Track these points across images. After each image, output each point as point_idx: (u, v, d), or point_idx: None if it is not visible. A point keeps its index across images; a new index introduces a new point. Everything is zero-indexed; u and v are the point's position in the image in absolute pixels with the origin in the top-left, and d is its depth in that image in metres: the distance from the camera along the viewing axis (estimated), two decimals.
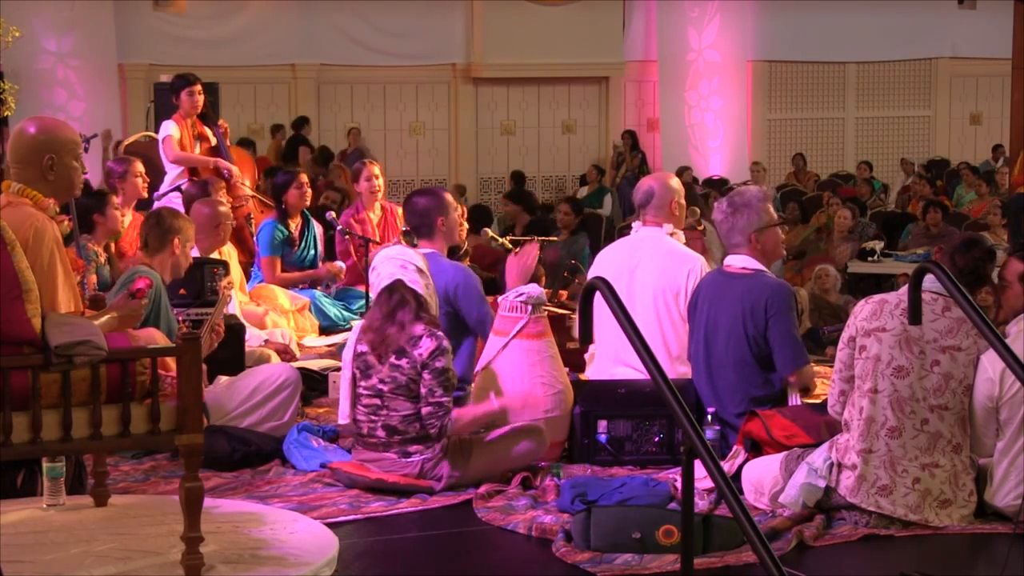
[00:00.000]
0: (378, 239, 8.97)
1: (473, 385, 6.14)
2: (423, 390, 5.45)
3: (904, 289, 5.21)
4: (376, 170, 9.33)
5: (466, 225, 8.83)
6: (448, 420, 5.48)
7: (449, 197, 6.56)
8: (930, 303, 5.07)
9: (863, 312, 5.23)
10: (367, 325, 5.62)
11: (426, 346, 5.46)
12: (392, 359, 5.47)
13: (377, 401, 5.52)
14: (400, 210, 9.19)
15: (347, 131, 17.71)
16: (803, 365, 5.80)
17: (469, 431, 5.63)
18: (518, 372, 5.86)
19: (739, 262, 5.94)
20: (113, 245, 8.19)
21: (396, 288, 5.60)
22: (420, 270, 5.87)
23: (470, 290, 6.34)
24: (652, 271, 6.32)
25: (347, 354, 5.77)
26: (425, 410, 5.46)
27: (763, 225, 5.89)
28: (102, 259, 7.74)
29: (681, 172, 17.02)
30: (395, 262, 5.87)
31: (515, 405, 5.75)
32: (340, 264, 9.18)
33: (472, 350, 6.39)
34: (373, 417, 5.53)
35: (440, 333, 5.52)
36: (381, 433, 5.51)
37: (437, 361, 5.45)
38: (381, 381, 5.50)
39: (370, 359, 5.54)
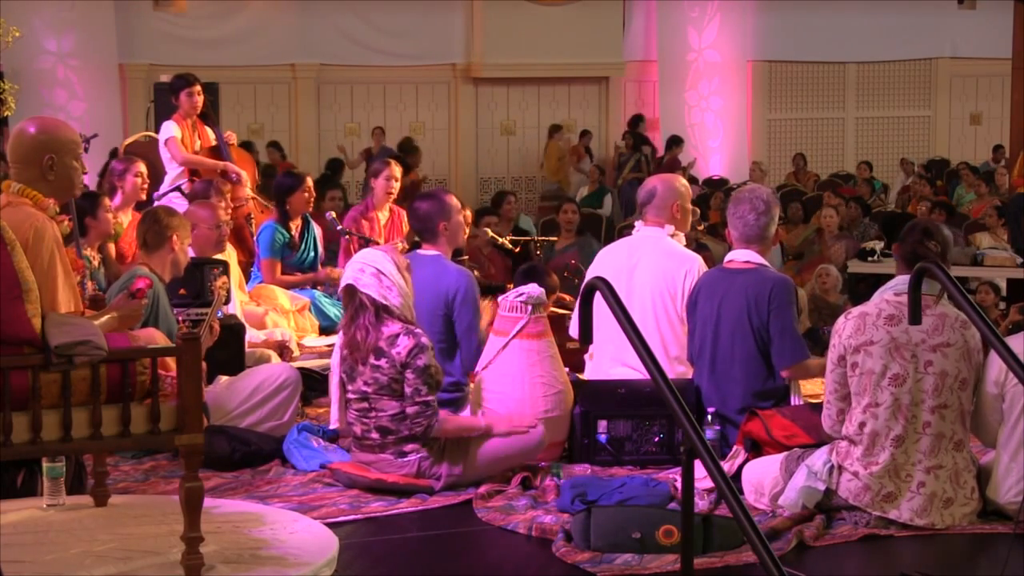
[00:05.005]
0: (382, 240, 8.96)
1: (471, 386, 6.15)
2: (408, 390, 5.41)
3: (879, 296, 5.23)
4: (397, 172, 9.30)
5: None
6: (436, 420, 5.44)
7: (453, 200, 6.53)
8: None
9: (846, 330, 5.17)
10: (343, 326, 5.60)
11: (404, 344, 5.40)
12: (371, 360, 5.43)
13: (365, 404, 5.49)
14: (407, 215, 9.20)
15: (371, 131, 17.67)
16: (800, 360, 5.80)
17: (451, 436, 5.55)
18: (518, 372, 5.86)
19: (743, 256, 5.95)
20: (112, 247, 8.18)
21: (352, 292, 5.51)
22: (380, 272, 5.48)
23: (468, 296, 6.32)
24: (650, 271, 6.31)
25: (334, 358, 5.73)
26: (411, 409, 5.42)
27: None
28: (95, 263, 7.71)
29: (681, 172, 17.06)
30: (355, 264, 5.56)
31: (501, 428, 5.61)
32: (339, 269, 9.15)
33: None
34: (364, 420, 5.51)
35: (418, 330, 5.46)
36: (375, 435, 5.49)
37: (418, 359, 5.40)
38: (364, 383, 5.47)
39: (351, 362, 5.51)
